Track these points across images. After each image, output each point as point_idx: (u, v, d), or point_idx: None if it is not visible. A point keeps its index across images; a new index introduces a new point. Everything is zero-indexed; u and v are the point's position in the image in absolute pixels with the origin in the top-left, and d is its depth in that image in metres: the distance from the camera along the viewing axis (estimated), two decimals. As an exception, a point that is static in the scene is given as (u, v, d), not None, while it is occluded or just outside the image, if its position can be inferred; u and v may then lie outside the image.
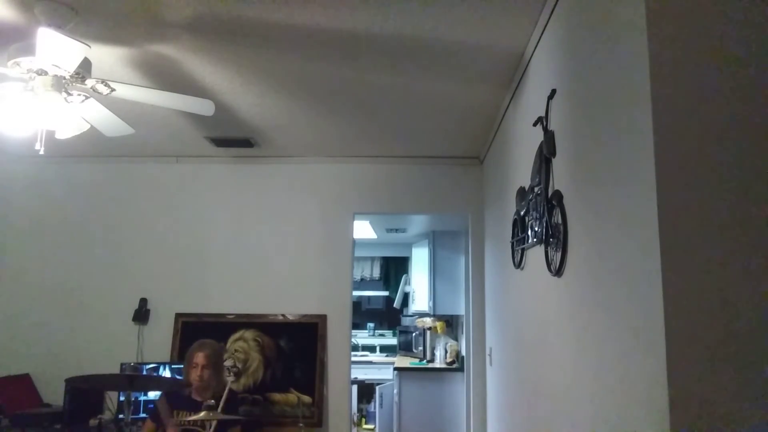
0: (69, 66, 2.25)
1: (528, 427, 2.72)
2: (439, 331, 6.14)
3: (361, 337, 7.87)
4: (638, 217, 1.37)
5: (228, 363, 4.27)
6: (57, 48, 2.11)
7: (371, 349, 7.78)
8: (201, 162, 4.60)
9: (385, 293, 8.09)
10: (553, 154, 2.19)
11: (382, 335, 8.08)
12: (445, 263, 5.91)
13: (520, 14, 2.34)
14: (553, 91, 2.20)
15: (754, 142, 1.28)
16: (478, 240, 4.45)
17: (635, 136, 1.39)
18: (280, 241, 4.50)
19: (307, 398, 4.18)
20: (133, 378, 2.86)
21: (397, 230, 6.35)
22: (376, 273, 8.02)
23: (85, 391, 3.93)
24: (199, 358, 3.27)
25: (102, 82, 2.49)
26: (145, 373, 3.94)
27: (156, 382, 3.54)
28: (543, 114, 2.31)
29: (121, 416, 2.79)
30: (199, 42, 2.63)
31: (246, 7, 2.32)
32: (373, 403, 6.34)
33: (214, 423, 3.01)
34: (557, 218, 2.08)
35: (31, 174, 4.60)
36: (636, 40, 1.38)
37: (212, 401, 2.80)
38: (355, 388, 6.15)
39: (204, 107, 2.75)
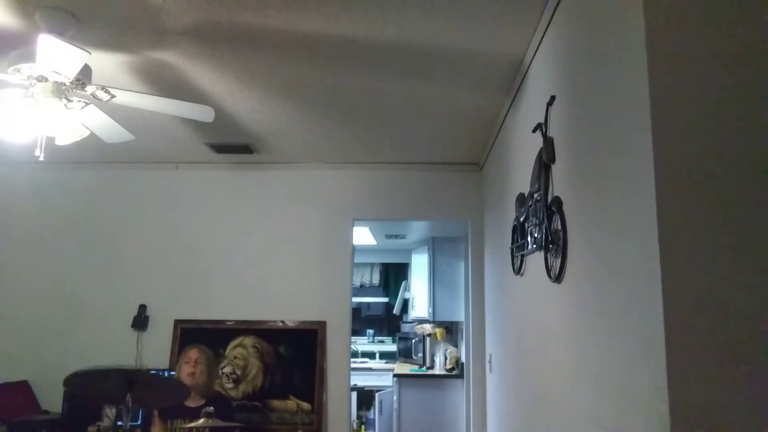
0: (69, 72, 2.26)
1: (528, 434, 2.71)
2: (438, 337, 6.13)
3: (361, 344, 7.85)
4: (638, 223, 1.37)
5: (227, 370, 4.26)
6: (57, 54, 2.12)
7: (371, 355, 7.76)
8: (200, 168, 4.60)
9: (385, 300, 8.08)
10: (553, 160, 2.19)
11: (381, 342, 8.06)
12: (444, 269, 5.91)
13: (520, 21, 2.35)
14: (553, 98, 2.20)
15: (754, 146, 1.28)
16: (477, 246, 4.45)
17: (635, 142, 1.39)
18: (280, 247, 4.49)
19: (306, 405, 4.17)
20: (132, 377, 2.77)
21: (396, 236, 6.34)
22: (376, 279, 8.00)
23: (83, 393, 3.91)
24: (192, 352, 3.32)
25: (102, 89, 2.49)
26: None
27: (156, 380, 3.48)
28: (542, 120, 2.31)
29: (119, 423, 2.77)
30: (198, 49, 2.64)
31: (245, 14, 2.33)
32: (372, 410, 6.31)
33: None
34: (557, 224, 2.08)
35: (31, 180, 4.60)
36: (635, 46, 1.39)
37: (211, 408, 2.79)
38: (354, 394, 6.13)
39: (204, 114, 2.76)
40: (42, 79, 2.34)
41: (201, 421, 2.75)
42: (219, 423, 2.77)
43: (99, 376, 2.83)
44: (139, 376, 2.80)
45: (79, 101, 2.52)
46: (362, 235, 5.97)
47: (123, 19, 2.39)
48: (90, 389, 2.95)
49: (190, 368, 3.27)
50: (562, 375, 2.06)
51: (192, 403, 3.22)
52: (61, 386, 2.96)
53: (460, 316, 5.56)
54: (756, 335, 1.22)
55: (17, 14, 2.34)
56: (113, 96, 2.55)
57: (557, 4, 2.12)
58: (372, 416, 6.31)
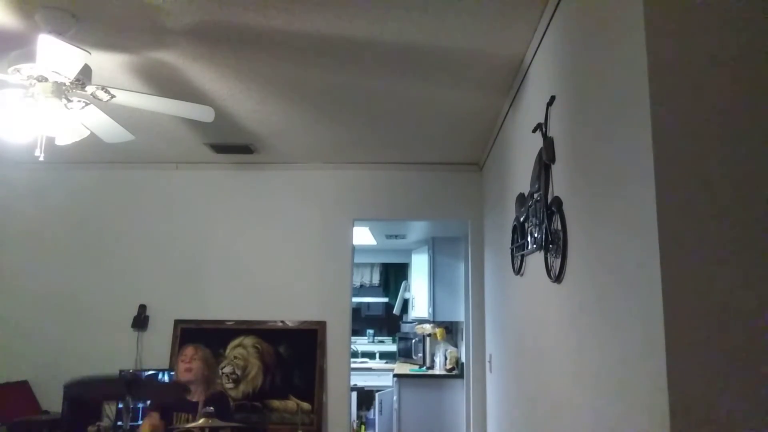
0: (69, 72, 2.26)
1: (528, 434, 2.71)
2: (438, 337, 6.13)
3: (361, 344, 7.85)
4: (638, 223, 1.37)
5: (227, 370, 4.26)
6: (57, 55, 2.12)
7: (371, 355, 7.76)
8: (200, 168, 4.60)
9: (385, 300, 8.08)
10: (553, 160, 2.19)
11: (381, 342, 8.07)
12: (444, 269, 5.91)
13: (520, 21, 2.35)
14: (553, 98, 2.21)
15: (754, 147, 1.28)
16: (477, 246, 4.45)
17: (634, 142, 1.39)
18: (280, 247, 4.49)
19: (306, 405, 4.17)
20: (131, 383, 2.81)
21: (396, 236, 6.35)
22: (376, 279, 8.00)
23: (84, 398, 3.92)
24: (188, 350, 3.32)
25: (102, 89, 2.49)
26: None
27: (154, 386, 3.52)
28: (542, 120, 2.31)
29: (119, 423, 2.78)
30: (198, 49, 2.64)
31: (246, 14, 2.33)
32: (372, 410, 6.31)
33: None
34: (557, 224, 2.08)
35: (31, 180, 4.59)
36: (635, 47, 1.39)
37: (211, 408, 2.79)
38: (354, 394, 6.13)
39: (204, 114, 2.76)
40: (42, 79, 2.34)
41: (201, 421, 2.75)
42: (218, 423, 2.77)
43: (99, 382, 2.85)
44: (138, 382, 2.80)
45: (79, 101, 2.52)
46: (362, 235, 5.97)
47: (123, 19, 2.39)
48: (90, 394, 2.96)
49: (186, 364, 3.28)
50: (562, 375, 2.06)
51: (193, 397, 3.23)
52: (61, 386, 2.96)
53: (460, 316, 5.56)
54: (756, 335, 1.22)
55: (17, 14, 2.34)
56: (113, 96, 2.55)
57: (557, 4, 2.13)
58: (372, 416, 6.31)
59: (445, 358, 5.95)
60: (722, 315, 1.22)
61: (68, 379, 2.91)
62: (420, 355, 6.39)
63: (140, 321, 4.39)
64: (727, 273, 1.24)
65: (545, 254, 2.24)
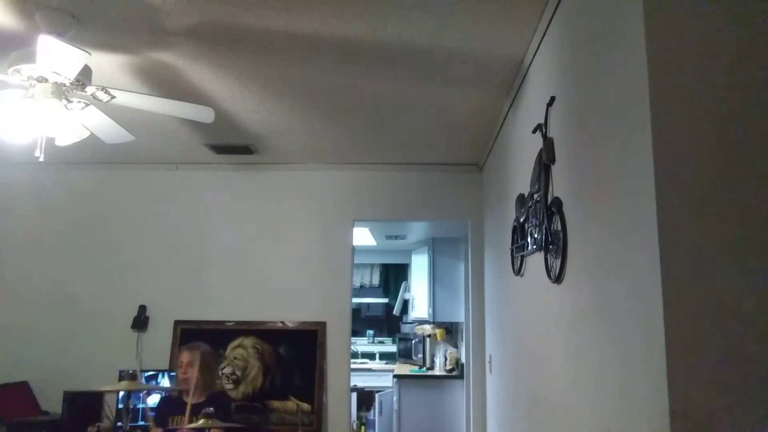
0: (69, 73, 2.26)
1: (528, 434, 2.71)
2: (438, 338, 6.13)
3: (361, 345, 7.85)
4: (638, 223, 1.37)
5: (227, 370, 4.26)
6: (57, 55, 2.12)
7: (371, 356, 7.76)
8: (200, 169, 4.60)
9: (385, 300, 8.08)
10: (553, 161, 2.19)
11: (381, 342, 8.06)
12: (444, 270, 5.91)
13: (520, 21, 2.35)
14: (553, 98, 2.20)
15: (753, 148, 1.28)
16: (477, 247, 4.45)
17: (634, 142, 1.39)
18: (280, 247, 4.49)
19: (306, 406, 4.16)
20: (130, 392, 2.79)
21: (396, 237, 6.35)
22: (376, 280, 8.00)
23: (83, 399, 3.92)
24: (184, 356, 3.32)
25: (102, 90, 2.49)
26: (144, 381, 3.93)
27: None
28: (542, 121, 2.31)
29: (119, 424, 2.77)
30: (198, 49, 2.64)
31: (245, 15, 2.33)
32: (372, 411, 6.31)
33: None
34: (557, 225, 2.08)
35: (31, 181, 4.60)
36: (635, 48, 1.39)
37: (211, 409, 2.78)
38: (354, 395, 6.13)
39: (204, 114, 2.76)
40: (42, 79, 2.34)
41: (201, 422, 2.75)
42: (219, 424, 2.77)
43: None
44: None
45: (79, 102, 2.52)
46: (362, 236, 5.97)
47: (123, 20, 2.39)
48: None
49: (182, 373, 3.28)
50: (562, 375, 2.06)
51: (192, 400, 3.22)
52: (61, 387, 2.96)
53: (460, 316, 5.56)
54: (756, 335, 1.21)
55: (17, 15, 2.34)
56: (113, 97, 2.55)
57: (557, 5, 2.13)
58: (372, 417, 6.31)
59: (445, 359, 5.95)
60: (722, 316, 1.22)
61: (68, 382, 2.91)
62: (420, 355, 6.39)
63: (140, 321, 4.38)
64: (727, 273, 1.24)
65: (545, 255, 2.23)
